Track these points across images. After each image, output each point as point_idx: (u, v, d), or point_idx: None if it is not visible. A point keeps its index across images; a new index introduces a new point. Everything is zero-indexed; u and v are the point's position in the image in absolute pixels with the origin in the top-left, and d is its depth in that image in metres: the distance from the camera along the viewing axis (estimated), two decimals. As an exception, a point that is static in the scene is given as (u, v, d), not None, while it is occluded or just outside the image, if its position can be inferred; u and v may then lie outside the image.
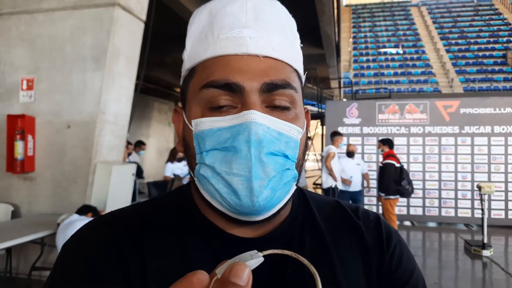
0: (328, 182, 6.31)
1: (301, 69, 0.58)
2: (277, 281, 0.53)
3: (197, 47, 0.54)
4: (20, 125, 4.28)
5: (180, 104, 0.62)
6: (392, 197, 6.13)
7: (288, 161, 0.51)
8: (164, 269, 0.52)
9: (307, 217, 0.62)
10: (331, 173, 6.23)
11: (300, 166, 0.55)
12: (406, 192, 6.14)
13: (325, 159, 6.32)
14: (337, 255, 0.58)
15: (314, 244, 0.58)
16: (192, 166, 0.54)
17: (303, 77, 0.59)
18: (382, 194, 6.08)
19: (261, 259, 0.35)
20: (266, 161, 0.48)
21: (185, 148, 0.56)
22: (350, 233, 0.62)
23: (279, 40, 0.53)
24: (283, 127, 0.51)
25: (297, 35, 0.59)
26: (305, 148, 0.57)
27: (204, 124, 0.51)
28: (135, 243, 0.53)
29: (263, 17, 0.53)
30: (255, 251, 0.36)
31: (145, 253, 0.53)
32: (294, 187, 0.55)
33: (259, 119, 0.48)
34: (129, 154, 7.20)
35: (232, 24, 0.52)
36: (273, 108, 0.51)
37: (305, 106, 0.60)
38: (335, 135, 6.58)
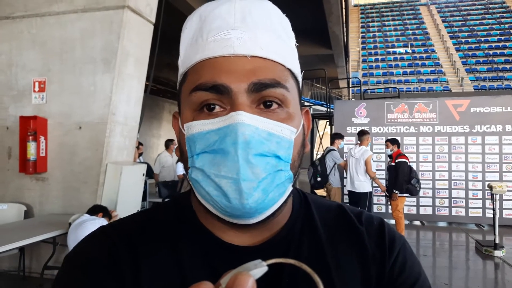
0: (365, 187, 6.14)
1: (295, 68, 0.57)
2: (274, 284, 0.53)
3: (189, 52, 0.55)
4: (33, 127, 4.35)
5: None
6: (404, 195, 6.12)
7: (280, 161, 0.50)
8: (160, 278, 0.53)
9: (306, 224, 0.61)
10: (375, 180, 6.11)
11: (296, 167, 0.53)
12: (415, 191, 6.11)
13: (362, 163, 6.12)
14: (335, 263, 0.57)
15: (312, 251, 0.58)
16: (187, 170, 0.53)
17: (299, 76, 0.58)
18: (397, 192, 6.05)
19: (265, 269, 0.35)
20: (254, 162, 0.47)
21: (180, 152, 0.56)
22: (351, 239, 0.61)
23: (268, 39, 0.52)
24: (273, 127, 0.50)
25: (292, 34, 0.59)
26: (302, 148, 0.56)
27: (194, 127, 0.51)
28: (132, 253, 0.55)
29: (251, 17, 0.52)
30: (259, 260, 0.35)
31: (141, 262, 0.54)
32: (290, 189, 0.53)
33: (246, 120, 0.47)
34: (140, 154, 7.27)
35: (220, 26, 0.52)
36: (263, 108, 0.51)
37: (304, 106, 0.60)
38: (364, 134, 6.33)
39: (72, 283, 0.52)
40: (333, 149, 6.66)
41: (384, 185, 6.48)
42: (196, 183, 0.50)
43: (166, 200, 0.67)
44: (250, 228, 0.52)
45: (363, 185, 6.13)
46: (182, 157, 0.55)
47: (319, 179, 6.54)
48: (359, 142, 6.40)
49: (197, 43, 0.53)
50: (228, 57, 0.50)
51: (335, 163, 6.53)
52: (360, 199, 6.07)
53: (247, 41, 0.50)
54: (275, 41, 0.53)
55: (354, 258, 0.59)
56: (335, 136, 6.94)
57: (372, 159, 6.57)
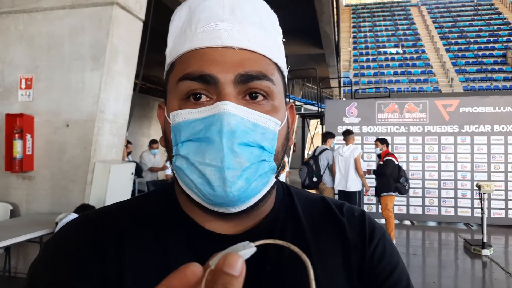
0: (356, 186, 6.15)
1: (282, 63, 0.58)
2: (255, 277, 0.54)
3: (177, 42, 0.55)
4: (19, 124, 4.27)
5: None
6: (393, 194, 6.14)
7: (264, 152, 0.51)
8: (142, 263, 0.53)
9: (289, 214, 0.62)
10: (362, 179, 6.12)
11: (279, 158, 0.54)
12: (404, 189, 6.14)
13: (352, 162, 6.13)
14: (317, 252, 0.58)
15: (294, 240, 0.57)
16: (171, 158, 0.54)
17: (285, 71, 0.60)
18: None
19: (254, 249, 0.35)
20: (238, 151, 0.48)
21: (165, 141, 0.56)
22: (332, 229, 0.62)
23: (256, 33, 0.53)
24: (258, 118, 0.51)
25: (279, 30, 0.60)
26: (286, 141, 0.57)
27: (180, 116, 0.51)
28: (115, 239, 0.55)
29: (240, 10, 0.53)
30: (247, 242, 0.36)
31: (124, 248, 0.54)
32: (273, 180, 0.54)
33: (232, 110, 0.48)
34: (129, 153, 7.20)
35: (209, 18, 0.52)
36: (249, 99, 0.52)
37: (289, 101, 0.61)
38: (350, 133, 6.40)
39: (54, 269, 0.52)
40: (327, 148, 6.64)
41: (375, 185, 6.50)
42: (180, 171, 0.51)
43: (151, 190, 0.68)
44: (233, 217, 0.52)
45: (355, 184, 6.15)
46: (167, 146, 0.55)
47: (315, 179, 6.48)
48: (344, 141, 6.46)
49: (185, 33, 0.54)
50: (216, 48, 0.51)
51: (329, 163, 6.53)
52: (351, 198, 6.07)
53: (235, 34, 0.51)
54: (262, 35, 0.54)
55: (336, 247, 0.60)
56: (328, 135, 6.90)
57: (362, 158, 6.61)
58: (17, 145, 4.22)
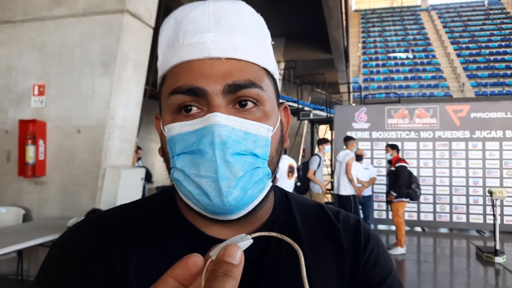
0: (348, 190, 6.16)
1: (271, 67, 0.58)
2: (254, 279, 0.56)
3: (166, 55, 0.56)
4: (32, 130, 4.34)
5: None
6: (404, 200, 6.09)
7: (258, 159, 0.52)
8: (145, 266, 0.55)
9: (287, 220, 0.64)
10: (352, 183, 6.15)
11: (274, 163, 0.56)
12: (415, 195, 6.09)
13: (344, 166, 6.18)
14: (312, 256, 0.60)
15: (291, 247, 0.59)
16: (168, 169, 0.55)
17: (276, 74, 0.60)
18: (394, 194, 6.03)
19: (251, 241, 0.38)
20: (231, 161, 0.49)
21: (162, 153, 0.58)
22: (328, 235, 0.64)
23: (242, 40, 0.53)
24: (250, 127, 0.51)
25: (268, 34, 0.60)
26: (280, 145, 0.58)
27: (174, 129, 0.52)
28: (119, 242, 0.56)
29: (225, 19, 0.53)
30: (244, 234, 0.39)
31: (128, 251, 0.55)
32: (270, 184, 0.56)
33: (222, 121, 0.49)
34: (139, 158, 7.26)
35: (195, 29, 0.53)
36: (239, 107, 0.52)
37: (282, 102, 0.62)
38: (349, 139, 6.51)
39: (62, 271, 0.53)
40: (316, 155, 6.71)
41: (384, 190, 6.46)
42: (178, 182, 0.52)
43: (153, 194, 0.69)
44: (233, 223, 0.53)
45: (346, 188, 6.16)
46: (164, 157, 0.57)
47: (298, 184, 6.58)
48: (345, 146, 6.49)
49: (173, 46, 0.55)
50: (204, 60, 0.52)
51: (318, 168, 6.55)
52: (344, 201, 6.08)
53: (221, 44, 0.52)
54: (249, 42, 0.54)
55: (330, 253, 0.62)
56: (320, 141, 6.99)
57: (372, 164, 6.56)
58: (30, 150, 4.28)
